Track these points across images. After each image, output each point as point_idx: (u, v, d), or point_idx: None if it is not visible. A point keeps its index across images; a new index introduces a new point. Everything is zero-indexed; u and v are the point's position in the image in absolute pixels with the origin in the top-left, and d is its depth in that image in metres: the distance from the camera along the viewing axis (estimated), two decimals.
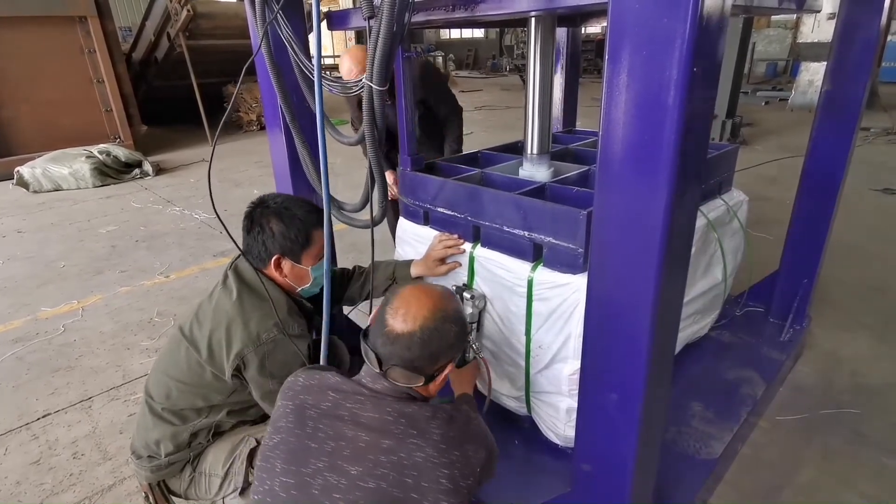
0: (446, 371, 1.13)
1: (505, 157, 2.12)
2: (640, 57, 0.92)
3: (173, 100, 9.10)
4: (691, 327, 2.09)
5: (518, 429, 1.91)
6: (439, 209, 1.82)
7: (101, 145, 6.61)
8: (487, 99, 12.96)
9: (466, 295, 1.70)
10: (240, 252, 1.49)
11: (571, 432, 1.54)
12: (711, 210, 1.95)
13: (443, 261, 1.78)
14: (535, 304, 1.57)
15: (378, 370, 1.08)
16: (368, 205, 1.63)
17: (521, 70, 16.36)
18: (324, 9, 1.68)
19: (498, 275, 1.65)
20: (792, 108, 9.53)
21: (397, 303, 1.09)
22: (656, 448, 1.40)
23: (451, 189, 1.76)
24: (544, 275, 1.53)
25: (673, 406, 1.95)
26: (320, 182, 1.48)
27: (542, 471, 1.76)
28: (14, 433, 2.28)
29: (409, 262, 1.81)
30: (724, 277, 2.09)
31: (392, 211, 2.65)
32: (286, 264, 1.46)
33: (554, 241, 1.50)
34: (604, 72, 0.98)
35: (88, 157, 6.27)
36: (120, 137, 7.29)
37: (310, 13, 1.37)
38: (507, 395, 1.82)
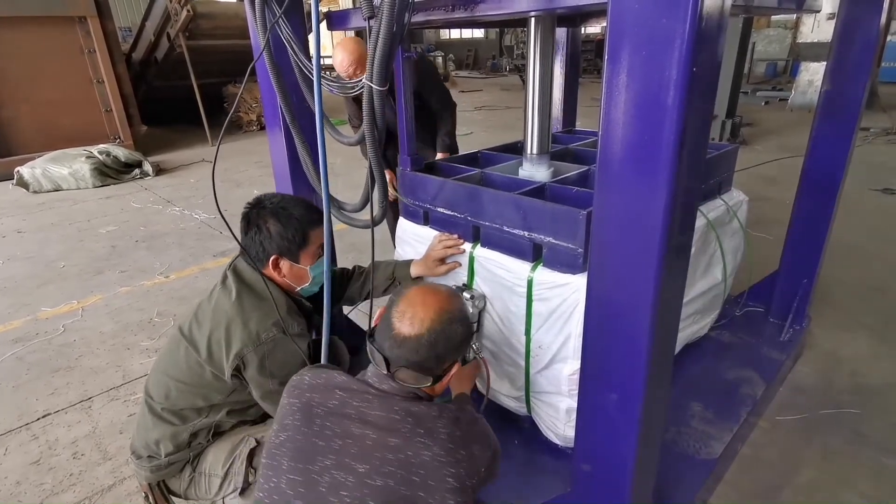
0: (453, 370, 1.14)
1: (505, 157, 2.12)
2: (639, 57, 0.92)
3: (173, 100, 9.10)
4: (691, 327, 2.09)
5: (518, 429, 1.91)
6: (439, 209, 1.82)
7: (101, 145, 6.61)
8: (487, 99, 12.97)
9: (466, 295, 1.70)
10: (240, 251, 1.49)
11: (571, 432, 1.54)
12: (711, 210, 1.95)
13: (442, 261, 1.78)
14: (534, 304, 1.57)
15: (386, 372, 1.08)
16: (368, 205, 1.63)
17: (521, 70, 16.36)
18: (323, 9, 1.69)
19: (498, 275, 1.65)
20: (792, 108, 9.53)
21: (403, 305, 1.09)
22: (656, 448, 1.40)
23: (451, 189, 1.76)
24: (544, 275, 1.53)
25: (673, 406, 1.95)
26: (320, 182, 1.48)
27: (542, 471, 1.76)
28: (14, 433, 2.28)
29: (408, 262, 1.81)
30: (724, 277, 2.09)
31: (392, 211, 2.65)
32: (284, 264, 1.46)
33: (554, 241, 1.50)
34: (603, 72, 0.98)
35: (88, 157, 6.28)
36: (120, 138, 7.30)
37: (309, 13, 1.37)
38: (507, 395, 1.83)
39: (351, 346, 1.76)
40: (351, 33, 2.63)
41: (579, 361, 1.29)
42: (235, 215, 1.48)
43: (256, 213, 1.45)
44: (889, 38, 11.25)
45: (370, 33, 1.30)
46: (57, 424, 2.32)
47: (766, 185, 5.12)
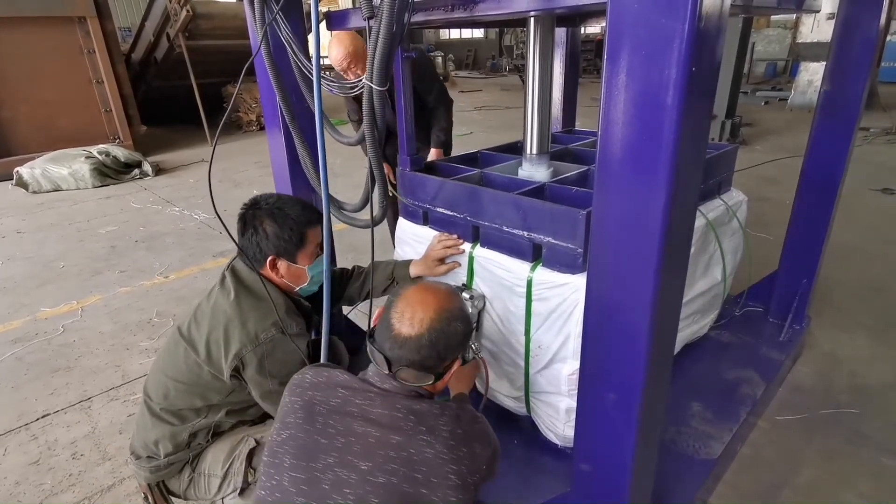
0: (454, 368, 1.14)
1: (504, 157, 2.12)
2: (638, 57, 0.92)
3: (173, 100, 9.10)
4: (691, 327, 2.09)
5: (517, 429, 1.91)
6: (438, 209, 1.82)
7: (101, 146, 6.61)
8: (487, 99, 12.97)
9: (466, 295, 1.70)
10: (238, 252, 1.49)
11: (571, 432, 1.54)
12: (711, 210, 1.95)
13: (442, 261, 1.78)
14: (534, 304, 1.57)
15: (388, 372, 1.08)
16: (368, 205, 1.63)
17: (521, 70, 16.36)
18: (323, 9, 1.68)
19: (497, 275, 1.65)
20: (791, 108, 9.53)
21: (402, 306, 1.09)
22: (655, 448, 1.40)
23: (451, 189, 1.76)
24: (543, 275, 1.53)
25: (672, 406, 1.95)
26: (320, 182, 1.48)
27: (542, 471, 1.76)
28: (13, 433, 2.28)
29: (408, 262, 1.81)
30: (724, 277, 2.09)
31: (391, 211, 2.65)
32: (282, 265, 1.46)
33: (553, 241, 1.50)
34: (603, 72, 0.98)
35: (88, 157, 6.27)
36: (119, 138, 7.30)
37: (309, 13, 1.37)
38: (507, 395, 1.83)
39: (350, 346, 1.76)
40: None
41: (579, 361, 1.29)
42: (234, 215, 1.48)
43: (252, 213, 1.45)
44: (889, 37, 11.25)
45: (370, 33, 1.30)
46: (56, 425, 2.32)
47: (765, 185, 5.12)
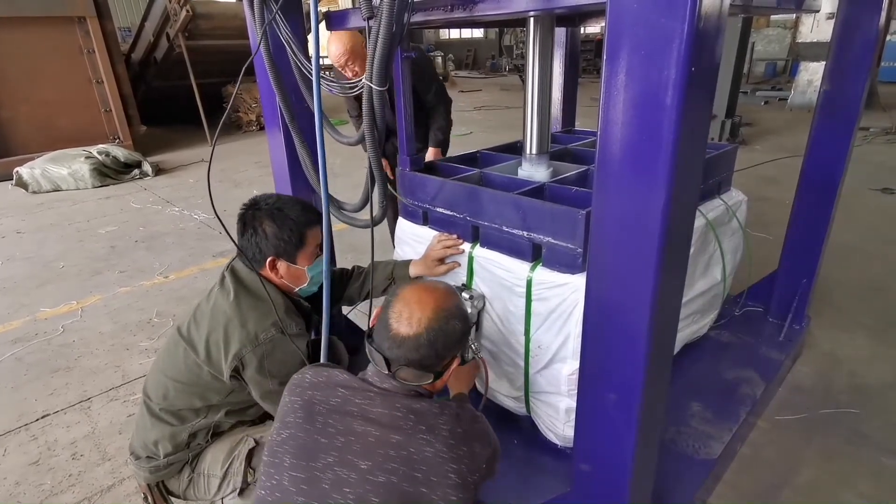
0: (453, 366, 1.14)
1: (504, 157, 2.12)
2: (638, 57, 0.92)
3: (172, 100, 9.10)
4: (690, 327, 2.09)
5: (517, 429, 1.91)
6: (438, 209, 1.82)
7: (101, 146, 6.61)
8: (487, 99, 12.97)
9: (465, 295, 1.70)
10: (237, 252, 1.49)
11: (570, 432, 1.54)
12: (710, 210, 1.95)
13: (442, 261, 1.78)
14: (534, 304, 1.57)
15: (387, 372, 1.08)
16: (368, 204, 1.63)
17: (521, 70, 16.36)
18: (323, 9, 1.68)
19: (497, 275, 1.65)
20: (791, 108, 9.53)
21: (399, 306, 1.10)
22: (655, 448, 1.40)
23: (450, 189, 1.76)
24: (543, 275, 1.53)
25: (672, 406, 1.95)
26: (319, 182, 1.48)
27: (542, 471, 1.76)
28: (13, 434, 2.28)
29: (408, 262, 1.81)
30: (724, 277, 2.09)
31: (391, 211, 2.66)
32: (281, 265, 1.46)
33: (553, 240, 1.50)
34: (602, 72, 0.98)
35: (87, 157, 6.27)
36: (119, 138, 7.29)
37: (308, 13, 1.37)
38: (507, 395, 1.83)
39: (350, 346, 1.76)
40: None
41: (578, 361, 1.29)
42: (234, 215, 1.48)
43: (252, 214, 1.45)
44: (888, 37, 11.25)
45: (370, 33, 1.30)
46: (56, 425, 2.32)
47: (765, 185, 5.12)
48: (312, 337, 1.56)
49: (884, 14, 1.87)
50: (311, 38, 1.37)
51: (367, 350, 1.12)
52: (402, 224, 1.99)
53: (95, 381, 2.62)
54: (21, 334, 3.07)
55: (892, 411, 2.20)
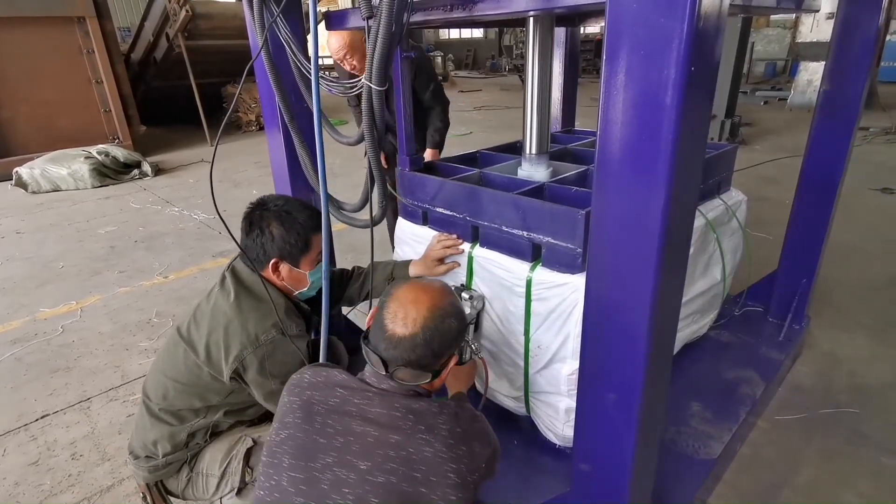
0: (451, 364, 1.14)
1: (504, 157, 2.12)
2: (637, 57, 0.92)
3: (172, 100, 9.09)
4: (690, 327, 2.09)
5: (517, 429, 1.90)
6: (438, 209, 1.82)
7: (100, 146, 6.60)
8: (487, 99, 12.97)
9: (465, 295, 1.70)
10: (240, 252, 1.49)
11: (570, 432, 1.54)
12: (710, 210, 1.95)
13: (441, 261, 1.78)
14: (533, 304, 1.56)
15: (384, 373, 1.08)
16: (368, 204, 1.63)
17: (520, 70, 16.36)
18: (322, 9, 1.68)
19: (497, 275, 1.65)
20: (791, 108, 9.53)
21: (394, 306, 1.09)
22: (655, 448, 1.40)
23: (450, 189, 1.76)
24: (543, 275, 1.53)
25: (672, 406, 1.95)
26: (319, 182, 1.48)
27: (541, 471, 1.76)
28: (13, 434, 2.28)
29: (407, 263, 1.81)
30: (723, 277, 2.09)
31: (391, 211, 2.66)
32: (284, 268, 1.46)
33: (552, 240, 1.50)
34: (602, 72, 0.98)
35: (87, 157, 6.27)
36: (119, 138, 7.29)
37: (308, 13, 1.37)
38: (506, 395, 1.82)
39: (350, 346, 1.76)
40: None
41: (578, 361, 1.29)
42: (234, 215, 1.47)
43: (259, 214, 1.45)
44: (888, 37, 11.25)
45: (369, 33, 1.30)
46: (56, 425, 2.32)
47: (765, 185, 5.12)
48: (312, 337, 1.56)
49: (883, 14, 1.87)
50: (310, 38, 1.37)
51: (363, 352, 1.11)
52: (402, 224, 1.99)
53: (95, 381, 2.62)
54: (20, 334, 3.07)
55: (891, 411, 2.20)
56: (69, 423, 2.33)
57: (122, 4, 19.86)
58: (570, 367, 1.55)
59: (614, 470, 1.30)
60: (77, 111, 7.00)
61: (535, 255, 1.58)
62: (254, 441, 1.48)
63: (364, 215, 1.69)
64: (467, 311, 1.69)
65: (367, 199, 1.63)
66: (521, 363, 1.69)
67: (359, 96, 1.42)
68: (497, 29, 18.98)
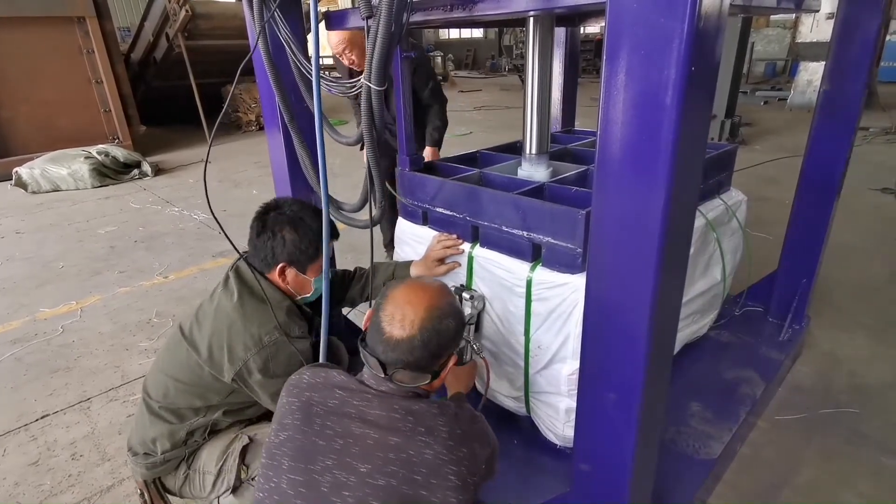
0: (450, 363, 1.14)
1: (504, 157, 2.12)
2: (638, 57, 0.92)
3: (172, 100, 9.09)
4: (690, 327, 2.09)
5: (517, 429, 1.90)
6: (438, 209, 1.82)
7: (100, 146, 6.60)
8: (487, 99, 12.97)
9: (465, 295, 1.70)
10: (245, 253, 1.49)
11: (570, 432, 1.54)
12: (710, 210, 1.95)
13: (442, 261, 1.78)
14: (533, 305, 1.56)
15: (383, 375, 1.07)
16: (368, 205, 1.63)
17: (520, 70, 16.35)
18: (322, 9, 1.68)
19: (497, 275, 1.65)
20: (791, 108, 9.54)
21: (391, 307, 1.08)
22: (655, 448, 1.40)
23: (450, 189, 1.76)
24: (543, 275, 1.53)
25: (672, 406, 1.95)
26: (319, 182, 1.48)
27: (542, 471, 1.76)
28: (13, 434, 2.28)
29: (408, 263, 1.81)
30: (723, 277, 2.09)
31: (386, 220, 2.66)
32: (290, 273, 1.46)
33: (553, 240, 1.50)
34: (602, 72, 0.98)
35: (87, 157, 6.27)
36: (119, 138, 7.29)
37: (308, 13, 1.37)
38: (507, 395, 1.82)
39: (350, 347, 1.76)
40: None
41: (578, 361, 1.29)
42: (234, 215, 1.48)
43: (273, 217, 1.45)
44: (888, 37, 11.25)
45: (369, 33, 1.30)
46: (56, 425, 2.32)
47: (765, 185, 5.12)
48: (314, 339, 1.56)
49: (883, 14, 1.87)
50: (310, 37, 1.37)
51: (361, 354, 1.11)
52: (402, 224, 1.99)
53: (95, 381, 2.61)
54: (20, 334, 3.06)
55: (891, 411, 2.20)
56: (69, 423, 2.33)
57: (122, 4, 19.87)
58: (570, 367, 1.55)
59: (614, 470, 1.30)
60: (77, 111, 6.99)
61: (535, 255, 1.58)
62: (250, 439, 1.48)
63: (364, 215, 1.69)
64: (467, 311, 1.69)
65: (366, 199, 1.63)
66: (522, 363, 1.69)
67: (358, 96, 1.42)
68: (497, 29, 18.97)
